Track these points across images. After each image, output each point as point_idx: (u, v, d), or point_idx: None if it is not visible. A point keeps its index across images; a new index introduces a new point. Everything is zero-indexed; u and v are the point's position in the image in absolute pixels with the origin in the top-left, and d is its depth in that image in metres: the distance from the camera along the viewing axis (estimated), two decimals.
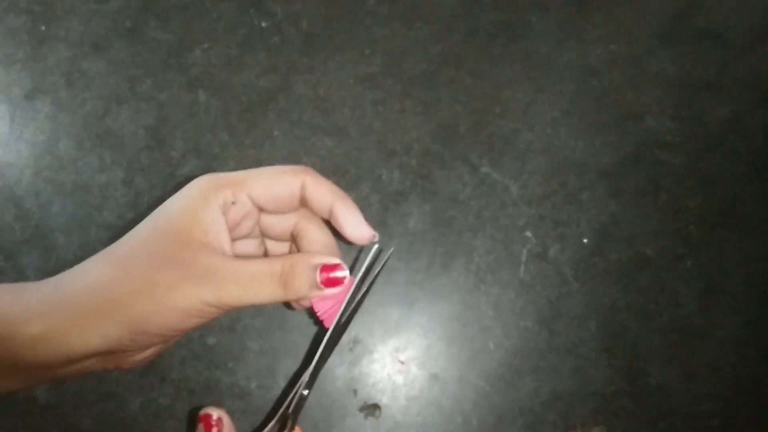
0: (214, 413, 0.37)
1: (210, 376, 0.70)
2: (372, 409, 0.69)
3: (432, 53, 0.82)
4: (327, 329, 0.41)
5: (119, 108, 0.79)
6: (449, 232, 0.75)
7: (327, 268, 0.37)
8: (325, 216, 0.41)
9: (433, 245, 0.75)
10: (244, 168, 0.77)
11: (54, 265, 0.74)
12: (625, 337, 0.73)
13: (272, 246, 0.45)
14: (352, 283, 0.39)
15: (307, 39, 0.82)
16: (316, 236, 0.42)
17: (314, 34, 0.82)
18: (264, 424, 0.40)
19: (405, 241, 0.75)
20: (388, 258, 0.43)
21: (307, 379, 0.40)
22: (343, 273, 0.38)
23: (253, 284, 0.35)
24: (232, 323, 0.71)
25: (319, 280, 0.36)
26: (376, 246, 0.42)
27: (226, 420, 0.38)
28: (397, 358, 0.71)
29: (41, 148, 0.78)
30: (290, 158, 0.77)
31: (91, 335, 0.33)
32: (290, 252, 0.45)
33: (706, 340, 0.73)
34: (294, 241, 0.43)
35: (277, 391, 0.69)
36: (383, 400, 0.70)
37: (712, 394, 0.72)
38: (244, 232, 0.41)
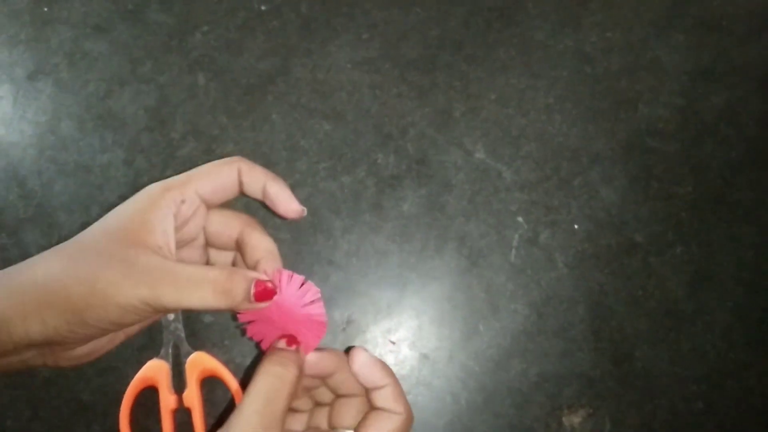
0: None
1: (210, 353, 0.70)
2: None
3: (429, 38, 0.80)
4: (252, 340, 0.43)
5: (121, 89, 0.78)
6: (443, 216, 0.74)
7: (261, 283, 0.38)
8: (259, 196, 0.42)
9: (427, 229, 0.74)
10: (242, 150, 0.77)
11: (56, 242, 0.73)
12: (612, 321, 0.72)
13: (215, 255, 0.46)
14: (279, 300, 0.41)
15: (306, 23, 0.80)
16: (258, 242, 0.43)
17: (313, 18, 0.81)
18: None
19: (399, 225, 0.74)
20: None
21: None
22: (273, 288, 0.39)
23: (189, 288, 0.36)
24: None
25: (252, 292, 0.37)
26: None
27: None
28: (389, 339, 0.71)
29: (44, 128, 0.77)
30: (288, 141, 0.76)
31: (30, 323, 0.34)
32: (234, 262, 0.46)
33: (693, 325, 0.72)
34: (238, 248, 0.44)
35: None
36: None
37: (697, 378, 0.71)
38: (192, 232, 0.43)
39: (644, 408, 0.71)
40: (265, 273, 0.40)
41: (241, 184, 0.42)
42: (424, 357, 0.70)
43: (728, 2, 0.82)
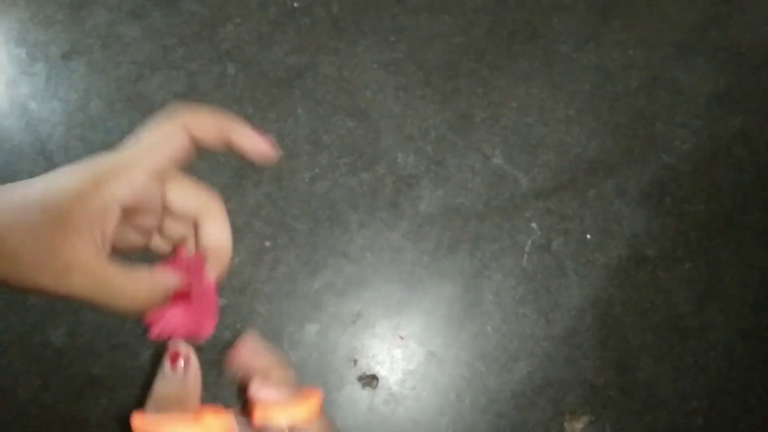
0: (183, 349, 0.36)
1: (219, 335, 0.70)
2: (370, 379, 0.69)
3: (454, 45, 0.81)
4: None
5: (151, 74, 0.79)
6: (458, 217, 0.74)
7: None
8: (222, 147, 0.38)
9: (442, 229, 0.74)
10: None
11: None
12: (618, 332, 0.72)
13: (170, 224, 0.43)
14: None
15: (336, 22, 0.81)
16: (211, 232, 0.40)
17: (343, 18, 0.81)
18: None
19: (414, 223, 0.74)
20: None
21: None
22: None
23: (110, 290, 0.35)
24: (243, 287, 0.71)
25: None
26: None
27: (194, 360, 0.37)
28: (398, 334, 0.71)
29: (74, 106, 0.77)
30: (311, 135, 0.77)
31: None
32: (187, 236, 0.43)
33: (697, 341, 0.72)
34: (194, 227, 0.41)
35: (282, 355, 0.69)
36: (381, 371, 0.70)
37: (698, 394, 0.71)
38: (145, 206, 0.39)
39: (644, 419, 0.70)
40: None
41: (195, 141, 0.38)
42: (431, 354, 0.70)
43: (748, 30, 0.83)
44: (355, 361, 0.70)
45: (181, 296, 0.37)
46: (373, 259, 0.73)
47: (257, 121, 0.77)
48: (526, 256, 0.73)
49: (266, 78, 0.79)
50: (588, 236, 0.74)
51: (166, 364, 0.36)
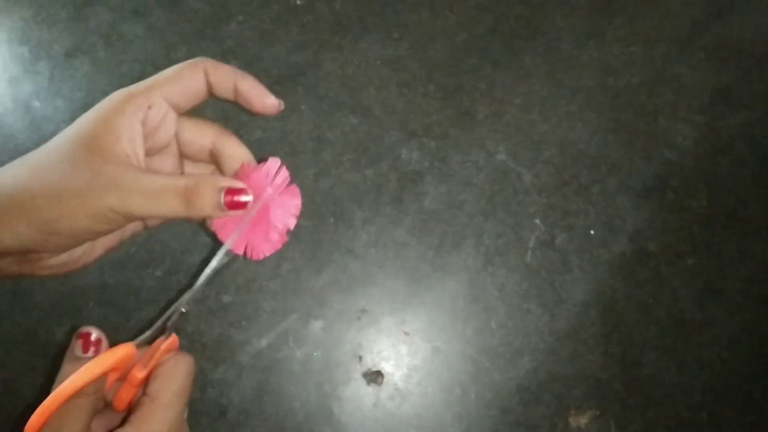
0: (94, 333, 0.35)
1: (223, 332, 0.70)
2: (375, 375, 0.69)
3: (457, 41, 0.81)
4: (221, 245, 0.38)
5: (155, 72, 0.78)
6: (461, 213, 0.75)
7: (232, 191, 0.35)
8: (231, 96, 0.39)
9: (446, 225, 0.74)
10: (270, 138, 0.77)
11: None
12: (622, 327, 0.72)
13: (191, 168, 0.43)
14: (254, 207, 0.37)
15: (339, 19, 0.81)
16: (234, 150, 0.40)
17: (346, 15, 0.81)
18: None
19: (419, 219, 0.74)
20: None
21: (187, 297, 0.37)
22: (247, 197, 0.36)
23: (157, 197, 0.33)
24: (248, 283, 0.71)
25: (222, 201, 0.35)
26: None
27: (105, 343, 0.36)
28: (403, 330, 0.71)
29: (78, 104, 0.77)
30: (315, 132, 0.77)
31: (3, 233, 0.32)
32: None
33: (701, 335, 0.72)
34: (213, 160, 0.41)
35: (287, 352, 0.69)
36: (386, 367, 0.70)
37: (702, 388, 0.71)
38: (163, 140, 0.39)
39: (648, 413, 0.71)
40: (237, 174, 0.37)
41: (209, 85, 0.39)
42: (437, 350, 0.70)
43: (749, 25, 0.83)
44: (360, 357, 0.70)
45: (261, 210, 0.36)
46: (377, 255, 0.73)
47: (261, 118, 0.77)
48: (530, 251, 0.73)
49: (269, 75, 0.79)
50: (592, 232, 0.74)
51: (77, 344, 0.34)
